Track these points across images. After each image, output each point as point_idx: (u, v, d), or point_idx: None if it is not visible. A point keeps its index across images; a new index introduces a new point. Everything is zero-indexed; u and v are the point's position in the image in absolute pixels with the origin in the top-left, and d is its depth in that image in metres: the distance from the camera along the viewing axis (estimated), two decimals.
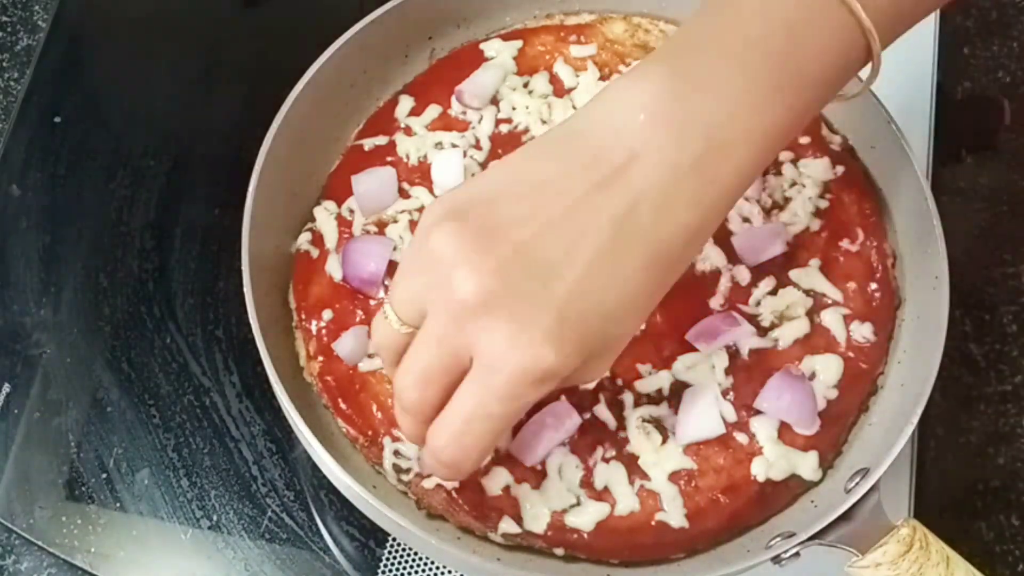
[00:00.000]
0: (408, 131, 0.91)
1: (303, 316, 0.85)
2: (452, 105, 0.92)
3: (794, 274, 0.85)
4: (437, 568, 0.91)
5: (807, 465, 0.80)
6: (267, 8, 1.19)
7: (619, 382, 0.82)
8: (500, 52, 0.94)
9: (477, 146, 0.90)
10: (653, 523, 0.78)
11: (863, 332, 0.84)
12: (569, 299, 0.63)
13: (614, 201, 0.63)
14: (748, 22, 0.64)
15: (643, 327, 0.81)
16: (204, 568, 0.93)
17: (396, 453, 0.80)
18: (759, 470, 0.80)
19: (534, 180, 0.65)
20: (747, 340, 0.83)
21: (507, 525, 0.78)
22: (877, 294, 0.85)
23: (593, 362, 0.67)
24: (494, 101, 0.92)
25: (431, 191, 0.88)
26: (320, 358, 0.84)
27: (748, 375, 0.82)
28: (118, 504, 0.95)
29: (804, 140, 0.90)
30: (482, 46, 0.94)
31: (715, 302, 0.84)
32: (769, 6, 0.64)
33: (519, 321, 0.63)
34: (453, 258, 0.63)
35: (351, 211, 0.88)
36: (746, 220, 0.87)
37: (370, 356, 0.83)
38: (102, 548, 0.93)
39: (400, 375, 0.68)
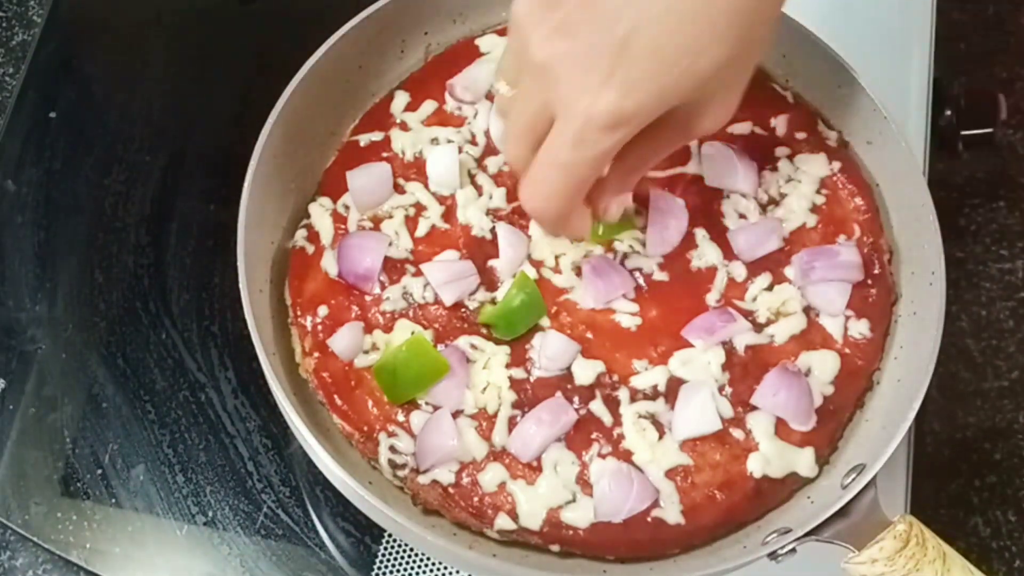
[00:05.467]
0: (404, 126, 0.91)
1: (299, 312, 0.85)
2: (447, 101, 0.91)
3: (790, 270, 0.85)
4: (433, 564, 0.91)
5: (803, 461, 0.80)
6: (263, 3, 1.18)
7: (615, 378, 0.81)
8: (495, 47, 0.93)
9: (473, 141, 0.90)
10: (649, 519, 0.78)
11: (859, 328, 0.84)
12: (632, 38, 0.63)
13: None
14: None
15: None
16: (199, 564, 0.93)
17: (392, 449, 0.80)
18: (755, 466, 0.79)
19: None
20: (743, 336, 0.83)
21: (503, 521, 0.78)
22: (873, 290, 0.85)
23: (704, 103, 0.68)
24: (490, 96, 0.91)
25: (426, 187, 0.88)
26: (316, 354, 0.83)
27: (744, 371, 0.82)
28: (113, 500, 0.95)
29: (800, 135, 0.89)
30: (477, 41, 0.94)
31: (711, 298, 0.84)
32: None
33: (583, 69, 0.64)
34: (526, 21, 0.66)
35: (346, 207, 0.88)
36: (742, 216, 0.87)
37: (365, 352, 0.83)
38: (97, 544, 0.93)
39: (503, 135, 0.73)
